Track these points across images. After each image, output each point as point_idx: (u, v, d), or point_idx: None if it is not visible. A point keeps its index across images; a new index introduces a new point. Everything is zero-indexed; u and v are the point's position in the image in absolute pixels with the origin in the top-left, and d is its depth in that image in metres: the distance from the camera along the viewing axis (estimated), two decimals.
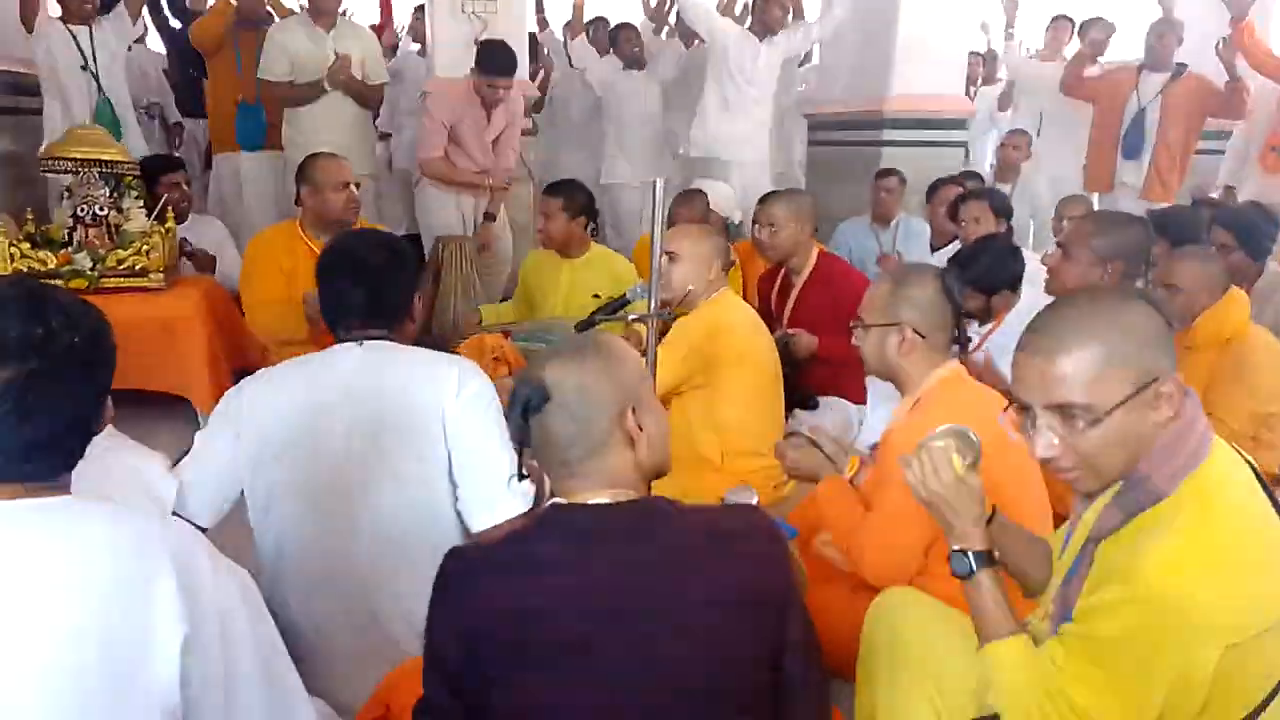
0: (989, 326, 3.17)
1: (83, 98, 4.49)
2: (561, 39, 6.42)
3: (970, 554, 1.39)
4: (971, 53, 6.31)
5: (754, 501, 1.70)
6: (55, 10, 4.66)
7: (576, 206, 3.52)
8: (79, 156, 3.21)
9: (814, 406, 3.25)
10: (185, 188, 4.01)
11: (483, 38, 4.62)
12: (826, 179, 5.71)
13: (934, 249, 4.38)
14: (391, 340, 1.77)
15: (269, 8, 4.95)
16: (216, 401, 3.53)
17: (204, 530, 1.66)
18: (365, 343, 1.74)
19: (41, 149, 4.63)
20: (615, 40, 5.80)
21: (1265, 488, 1.26)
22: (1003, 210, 3.83)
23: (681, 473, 2.55)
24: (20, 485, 1.01)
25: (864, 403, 3.37)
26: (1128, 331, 1.23)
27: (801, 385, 3.24)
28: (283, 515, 1.67)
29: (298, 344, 3.01)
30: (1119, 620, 1.18)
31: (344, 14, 4.68)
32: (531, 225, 5.07)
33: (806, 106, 6.07)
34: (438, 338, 3.65)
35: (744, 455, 2.59)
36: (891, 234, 4.81)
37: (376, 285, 1.77)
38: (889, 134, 5.13)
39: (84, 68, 4.45)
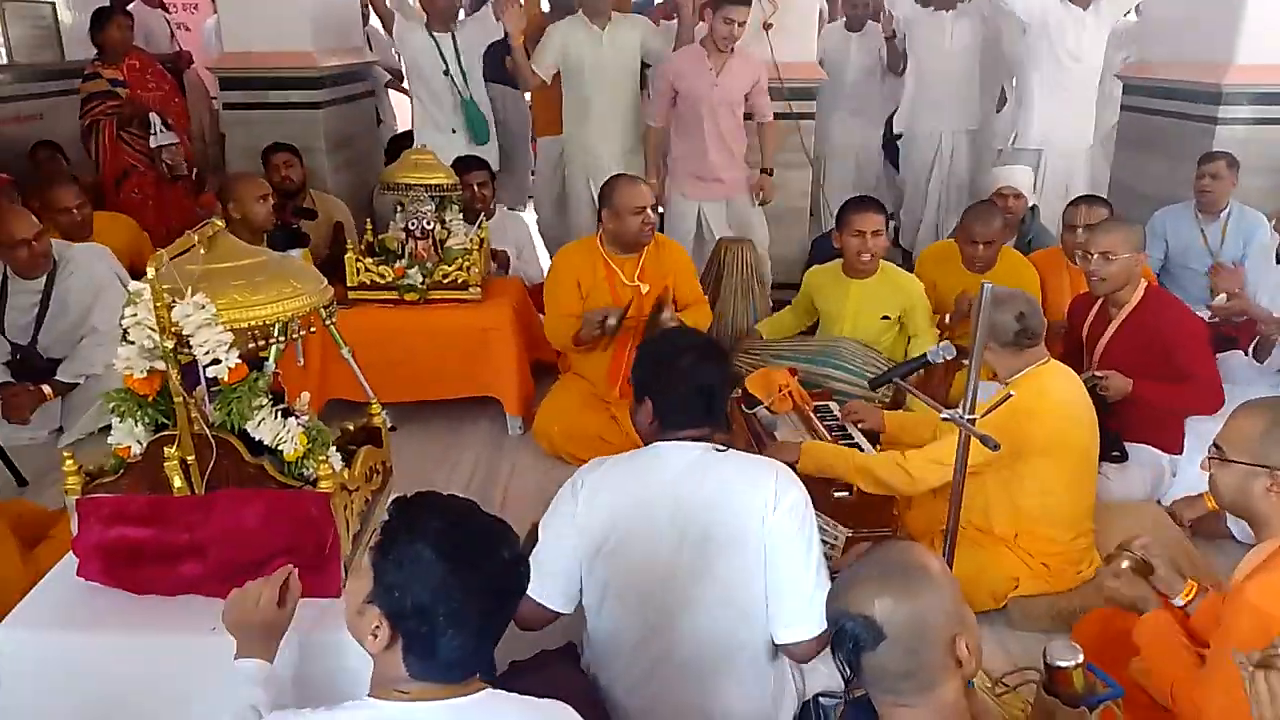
0: None
1: (445, 101, 4.78)
2: None
3: None
4: None
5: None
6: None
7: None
8: (410, 182, 3.58)
9: (1122, 459, 3.02)
10: (478, 189, 4.29)
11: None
12: (1139, 151, 5.13)
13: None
14: (714, 441, 1.84)
15: None
16: (523, 403, 3.88)
17: (560, 615, 1.85)
18: (692, 444, 1.81)
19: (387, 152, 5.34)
20: None
21: None
22: None
23: (974, 545, 2.50)
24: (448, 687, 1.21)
25: (1179, 452, 3.09)
26: None
27: (1109, 430, 3.02)
28: (612, 613, 1.81)
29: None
30: None
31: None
32: (807, 211, 4.99)
33: (1124, 66, 5.44)
34: (717, 340, 3.73)
35: (1040, 537, 2.48)
36: (1220, 227, 4.27)
37: (711, 389, 1.85)
38: (1227, 110, 4.48)
39: (445, 73, 4.70)
